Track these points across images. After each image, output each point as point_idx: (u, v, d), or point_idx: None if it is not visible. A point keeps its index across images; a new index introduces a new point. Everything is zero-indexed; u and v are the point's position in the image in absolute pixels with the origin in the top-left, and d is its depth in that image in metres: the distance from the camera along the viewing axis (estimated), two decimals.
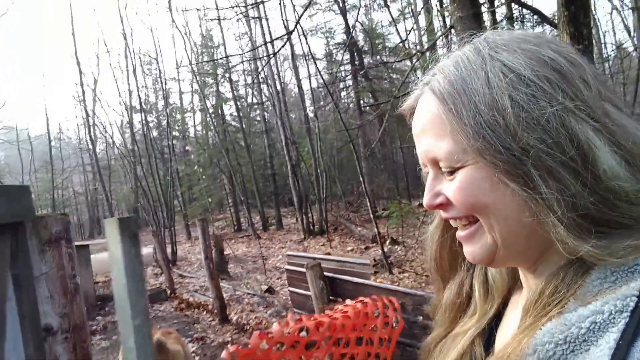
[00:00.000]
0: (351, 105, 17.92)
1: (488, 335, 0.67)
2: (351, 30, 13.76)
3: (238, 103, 22.94)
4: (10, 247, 1.85)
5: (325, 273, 5.20)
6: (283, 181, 24.56)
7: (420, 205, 16.57)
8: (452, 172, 0.56)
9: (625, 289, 0.46)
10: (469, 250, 0.60)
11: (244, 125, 22.44)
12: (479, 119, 0.51)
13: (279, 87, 17.57)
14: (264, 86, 22.02)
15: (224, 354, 1.15)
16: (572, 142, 0.48)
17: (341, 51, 19.13)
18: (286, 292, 8.91)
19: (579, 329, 0.46)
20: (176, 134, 26.81)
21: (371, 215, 8.66)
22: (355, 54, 15.46)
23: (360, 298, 1.71)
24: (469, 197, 0.55)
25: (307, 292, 5.22)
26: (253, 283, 9.99)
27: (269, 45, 11.18)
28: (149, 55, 26.19)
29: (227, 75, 21.56)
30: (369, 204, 8.81)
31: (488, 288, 0.70)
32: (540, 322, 0.50)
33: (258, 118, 26.55)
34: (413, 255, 9.96)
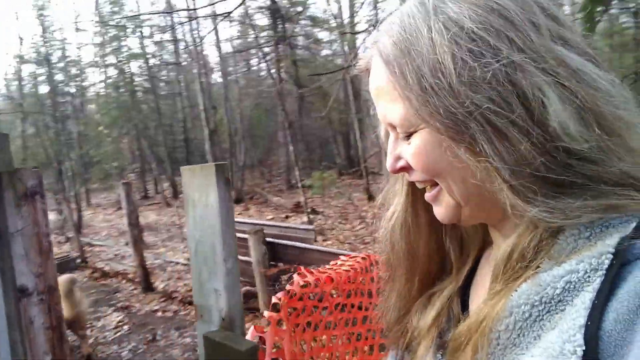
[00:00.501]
0: (271, 72, 17.59)
1: (464, 293, 0.65)
2: None
3: (149, 61, 21.33)
4: None
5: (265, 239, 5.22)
6: (194, 147, 23.65)
7: (340, 174, 17.02)
8: (408, 136, 0.55)
9: (601, 245, 0.44)
10: (437, 211, 0.59)
11: (154, 86, 21.03)
12: (424, 82, 0.49)
13: (199, 49, 16.69)
14: (179, 45, 20.67)
15: (274, 299, 1.20)
16: (520, 99, 0.46)
17: (261, 15, 18.59)
18: None
19: (554, 289, 0.45)
20: (73, 90, 24.26)
21: (299, 184, 8.80)
22: (277, 20, 15.14)
23: (353, 254, 1.83)
24: (424, 162, 0.54)
25: (247, 258, 5.22)
26: (174, 251, 9.68)
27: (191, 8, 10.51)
28: None
29: (138, 29, 19.90)
30: (297, 173, 8.91)
31: (462, 244, 0.68)
32: (514, 285, 0.49)
33: (164, 78, 24.95)
34: (333, 224, 10.36)
